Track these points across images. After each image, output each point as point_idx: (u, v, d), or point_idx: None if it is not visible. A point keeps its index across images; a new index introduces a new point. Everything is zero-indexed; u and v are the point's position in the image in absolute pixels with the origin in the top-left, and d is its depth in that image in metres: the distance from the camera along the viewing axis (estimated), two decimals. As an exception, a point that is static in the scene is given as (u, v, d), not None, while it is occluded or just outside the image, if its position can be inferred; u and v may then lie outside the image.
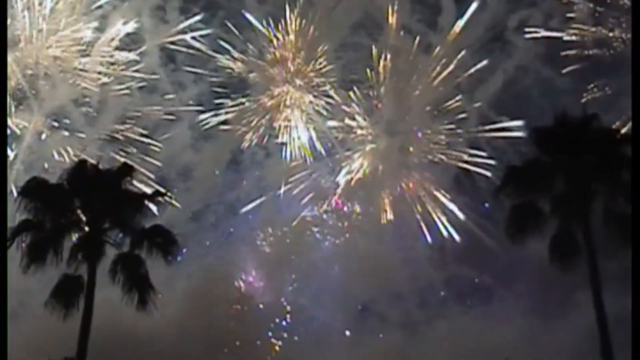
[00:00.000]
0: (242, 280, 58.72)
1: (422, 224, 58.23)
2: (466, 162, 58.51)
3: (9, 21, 57.31)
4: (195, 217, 58.84)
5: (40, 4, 59.33)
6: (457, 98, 60.12)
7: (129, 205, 35.55)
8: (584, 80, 57.57)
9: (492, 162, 56.98)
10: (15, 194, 39.37)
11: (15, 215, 34.72)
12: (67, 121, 59.63)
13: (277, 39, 61.46)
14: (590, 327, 34.74)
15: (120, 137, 59.64)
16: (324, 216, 60.37)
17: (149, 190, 38.31)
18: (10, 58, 57.75)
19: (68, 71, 59.77)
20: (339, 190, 60.47)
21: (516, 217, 35.12)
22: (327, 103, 61.15)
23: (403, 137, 60.46)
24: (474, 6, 59.96)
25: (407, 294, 57.22)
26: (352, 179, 60.26)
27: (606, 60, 56.93)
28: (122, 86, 60.38)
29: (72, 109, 59.62)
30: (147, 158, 58.99)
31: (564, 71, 58.13)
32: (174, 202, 50.95)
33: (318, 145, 60.53)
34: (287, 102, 60.89)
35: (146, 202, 36.16)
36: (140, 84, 60.65)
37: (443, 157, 59.50)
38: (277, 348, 56.97)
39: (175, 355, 51.62)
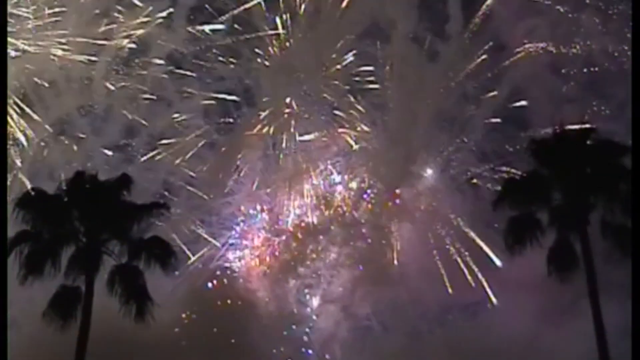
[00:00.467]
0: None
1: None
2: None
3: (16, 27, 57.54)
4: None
5: (48, 12, 59.33)
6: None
7: (127, 217, 35.46)
8: (590, 91, 57.31)
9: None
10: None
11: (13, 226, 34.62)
12: (73, 130, 59.50)
13: (283, 47, 61.38)
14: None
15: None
16: (330, 224, 60.21)
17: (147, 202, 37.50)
18: (16, 66, 57.80)
19: (74, 80, 59.58)
20: (345, 198, 60.31)
21: (514, 229, 35.00)
22: (333, 111, 60.97)
23: (409, 146, 60.24)
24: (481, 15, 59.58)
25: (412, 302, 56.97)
26: (357, 187, 60.15)
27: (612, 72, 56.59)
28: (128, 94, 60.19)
29: (77, 117, 59.54)
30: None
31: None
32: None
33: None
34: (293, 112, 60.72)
35: (144, 213, 35.85)
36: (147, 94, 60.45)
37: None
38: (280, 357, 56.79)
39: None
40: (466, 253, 56.39)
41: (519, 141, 55.42)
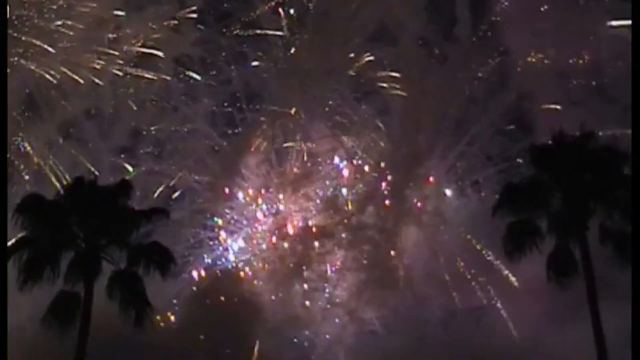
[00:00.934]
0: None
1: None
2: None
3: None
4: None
5: (54, 15, 59.48)
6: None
7: (126, 222, 35.45)
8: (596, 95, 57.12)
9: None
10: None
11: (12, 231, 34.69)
12: (79, 133, 59.62)
13: (292, 50, 61.36)
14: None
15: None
16: (336, 227, 60.16)
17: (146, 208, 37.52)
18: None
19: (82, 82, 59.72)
20: (350, 202, 60.33)
21: (514, 235, 34.89)
22: (339, 114, 60.94)
23: (414, 150, 60.16)
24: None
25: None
26: (362, 190, 60.12)
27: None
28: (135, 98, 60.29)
29: (83, 120, 59.68)
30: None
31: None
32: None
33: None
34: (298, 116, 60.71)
35: (144, 219, 35.86)
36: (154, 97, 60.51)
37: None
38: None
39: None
40: (471, 258, 56.09)
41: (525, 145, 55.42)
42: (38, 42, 58.91)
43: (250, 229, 59.55)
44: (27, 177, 57.77)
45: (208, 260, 58.28)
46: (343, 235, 59.86)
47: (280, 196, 59.64)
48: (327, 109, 61.01)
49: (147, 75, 60.67)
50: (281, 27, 61.70)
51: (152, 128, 59.96)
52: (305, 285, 59.09)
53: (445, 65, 60.88)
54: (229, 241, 59.09)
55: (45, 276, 34.10)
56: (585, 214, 34.47)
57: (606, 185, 34.32)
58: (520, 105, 58.25)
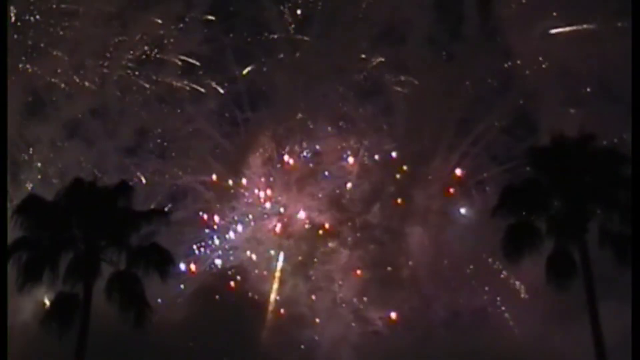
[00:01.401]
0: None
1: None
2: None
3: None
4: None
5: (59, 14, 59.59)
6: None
7: (126, 224, 35.44)
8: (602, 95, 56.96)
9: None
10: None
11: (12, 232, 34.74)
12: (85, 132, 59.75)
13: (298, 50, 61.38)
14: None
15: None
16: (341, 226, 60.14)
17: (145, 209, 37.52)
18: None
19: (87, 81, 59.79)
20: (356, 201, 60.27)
21: (513, 237, 34.76)
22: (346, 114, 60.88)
23: (420, 148, 60.07)
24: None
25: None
26: (367, 189, 60.07)
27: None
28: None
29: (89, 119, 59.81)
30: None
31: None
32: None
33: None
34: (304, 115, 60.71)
35: (143, 220, 35.86)
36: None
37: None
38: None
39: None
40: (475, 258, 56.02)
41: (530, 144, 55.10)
42: (43, 44, 58.92)
43: (254, 229, 59.40)
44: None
45: (212, 260, 58.13)
46: (348, 234, 59.70)
47: (285, 196, 59.50)
48: (332, 108, 60.80)
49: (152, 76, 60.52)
50: (288, 28, 61.48)
51: (157, 127, 59.56)
52: (310, 285, 58.88)
53: (452, 64, 60.61)
54: (233, 240, 58.99)
55: (44, 278, 33.98)
56: (584, 216, 34.23)
57: (606, 187, 34.11)
58: (525, 105, 57.90)
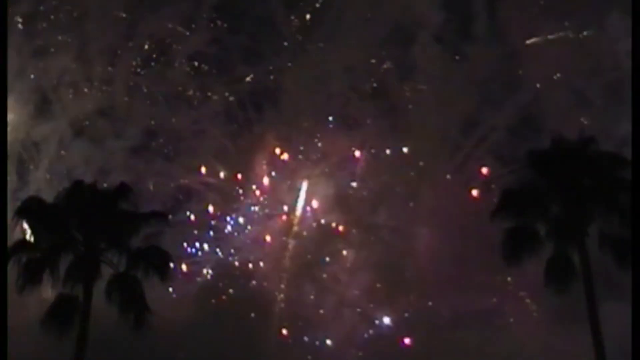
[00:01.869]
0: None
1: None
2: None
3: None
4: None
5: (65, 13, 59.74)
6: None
7: (126, 226, 35.51)
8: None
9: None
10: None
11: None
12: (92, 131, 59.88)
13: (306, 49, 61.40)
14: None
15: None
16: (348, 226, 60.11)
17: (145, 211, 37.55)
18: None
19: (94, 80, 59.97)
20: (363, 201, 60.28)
21: (512, 240, 34.70)
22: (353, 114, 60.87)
23: (430, 146, 60.01)
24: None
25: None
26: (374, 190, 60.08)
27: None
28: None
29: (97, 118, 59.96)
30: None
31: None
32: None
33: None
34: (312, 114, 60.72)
35: (143, 222, 35.92)
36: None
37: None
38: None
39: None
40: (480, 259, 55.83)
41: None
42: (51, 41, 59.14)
43: (260, 228, 59.49)
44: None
45: (217, 260, 58.23)
46: (354, 235, 59.67)
47: (292, 195, 59.53)
48: (340, 107, 60.80)
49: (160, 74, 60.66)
50: (296, 27, 61.53)
51: (165, 125, 59.70)
52: (316, 285, 58.89)
53: (460, 63, 60.53)
54: (239, 240, 59.08)
55: (44, 279, 34.10)
56: (584, 219, 34.15)
57: (605, 190, 34.02)
58: (532, 105, 57.77)
